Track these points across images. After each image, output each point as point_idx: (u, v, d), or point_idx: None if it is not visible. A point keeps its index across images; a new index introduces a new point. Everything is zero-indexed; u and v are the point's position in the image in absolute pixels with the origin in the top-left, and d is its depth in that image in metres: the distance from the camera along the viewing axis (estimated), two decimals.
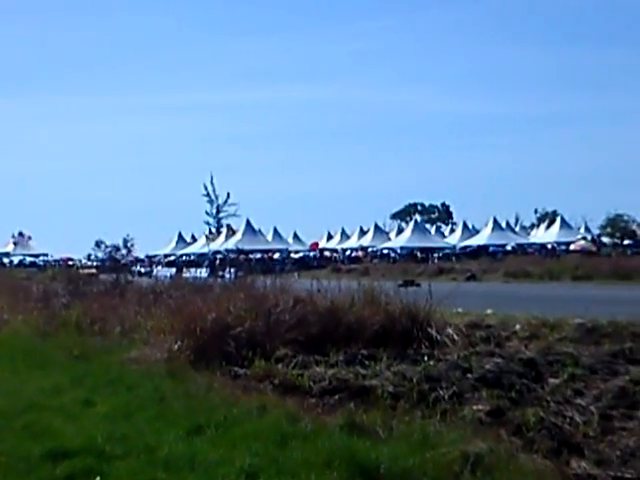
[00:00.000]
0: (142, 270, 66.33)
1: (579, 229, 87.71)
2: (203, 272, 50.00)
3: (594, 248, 71.71)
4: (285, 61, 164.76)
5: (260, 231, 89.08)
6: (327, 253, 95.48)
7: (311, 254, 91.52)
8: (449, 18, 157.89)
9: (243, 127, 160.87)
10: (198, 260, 78.40)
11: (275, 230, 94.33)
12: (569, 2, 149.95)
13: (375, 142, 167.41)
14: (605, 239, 77.08)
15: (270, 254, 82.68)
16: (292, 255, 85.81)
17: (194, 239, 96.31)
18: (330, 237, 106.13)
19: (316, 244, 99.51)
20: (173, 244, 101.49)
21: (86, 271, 50.09)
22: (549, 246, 79.91)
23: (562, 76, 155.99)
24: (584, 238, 78.90)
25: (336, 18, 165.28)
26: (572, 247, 73.59)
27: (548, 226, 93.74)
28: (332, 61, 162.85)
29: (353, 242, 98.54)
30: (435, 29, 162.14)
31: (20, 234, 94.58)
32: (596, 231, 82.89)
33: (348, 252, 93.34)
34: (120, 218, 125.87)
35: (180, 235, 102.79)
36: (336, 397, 10.73)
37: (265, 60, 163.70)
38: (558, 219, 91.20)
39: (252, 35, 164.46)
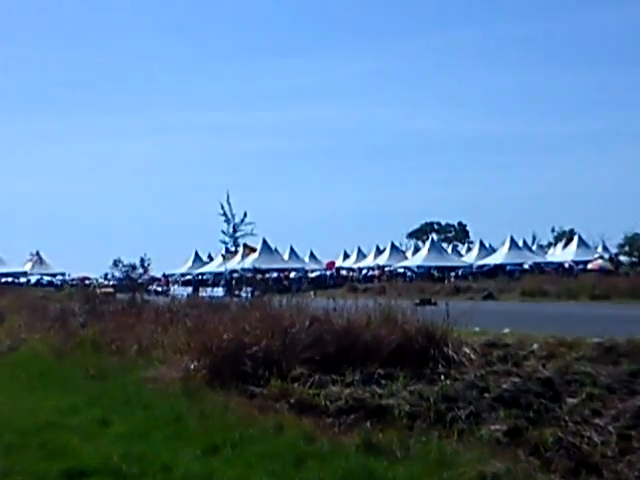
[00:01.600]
0: (159, 289, 66.45)
1: (596, 248, 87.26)
2: (220, 291, 50.04)
3: (612, 267, 71.35)
4: (302, 80, 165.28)
5: (277, 250, 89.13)
6: (344, 272, 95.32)
7: (327, 273, 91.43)
8: (466, 38, 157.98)
9: (260, 146, 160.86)
10: (214, 279, 78.48)
11: (291, 249, 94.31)
12: (589, 23, 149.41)
13: (392, 161, 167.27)
14: (623, 258, 76.69)
15: (286, 273, 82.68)
16: (308, 274, 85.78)
17: (210, 258, 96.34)
18: (347, 256, 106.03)
19: (332, 263, 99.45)
20: (190, 263, 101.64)
21: (103, 290, 50.23)
22: (566, 265, 79.59)
23: (580, 95, 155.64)
24: (602, 257, 78.53)
25: (355, 37, 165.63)
26: (590, 266, 73.23)
27: (565, 245, 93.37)
28: (350, 80, 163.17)
29: (369, 261, 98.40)
30: (453, 49, 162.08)
31: (37, 254, 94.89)
32: (614, 250, 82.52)
33: (365, 271, 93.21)
34: (137, 237, 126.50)
35: (197, 254, 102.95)
36: (352, 417, 10.70)
37: (281, 80, 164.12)
38: (575, 238, 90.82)
39: (269, 55, 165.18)
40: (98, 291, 48.56)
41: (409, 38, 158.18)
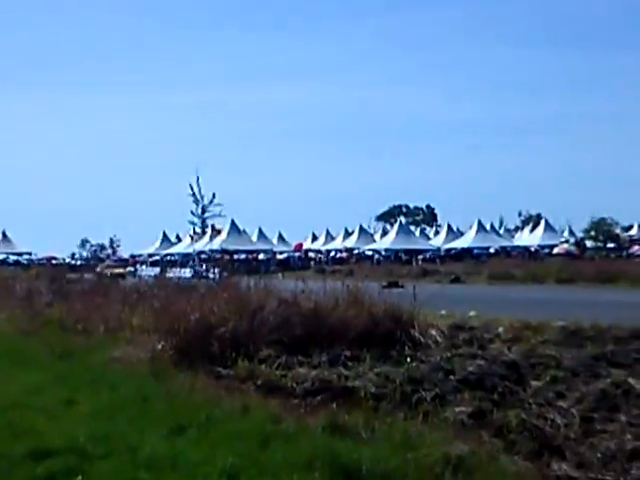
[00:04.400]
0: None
1: (563, 232, 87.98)
2: (187, 272, 49.84)
3: (578, 251, 71.98)
4: (271, 61, 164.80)
5: (245, 231, 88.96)
6: (312, 254, 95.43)
7: (296, 255, 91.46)
8: (437, 20, 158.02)
9: (229, 127, 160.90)
10: (182, 260, 78.28)
11: (260, 231, 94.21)
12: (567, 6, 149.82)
13: (361, 144, 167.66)
14: (589, 242, 77.30)
15: (255, 255, 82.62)
16: (277, 256, 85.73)
17: (179, 239, 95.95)
18: (315, 238, 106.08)
19: (301, 245, 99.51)
20: (157, 244, 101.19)
21: (112, 271, 49.36)
22: (533, 249, 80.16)
23: (547, 80, 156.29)
24: (568, 241, 79.17)
25: (321, 20, 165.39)
26: (556, 250, 73.84)
27: (532, 229, 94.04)
28: (320, 61, 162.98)
29: (338, 243, 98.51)
30: (426, 31, 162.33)
31: (3, 233, 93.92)
32: (580, 234, 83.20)
33: (333, 253, 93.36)
34: (105, 218, 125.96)
35: (165, 235, 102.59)
36: (319, 398, 10.73)
37: (250, 60, 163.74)
38: (542, 222, 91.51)
39: (238, 34, 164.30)
40: (108, 272, 48.09)
41: (374, 19, 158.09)
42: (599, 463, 7.34)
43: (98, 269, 57.42)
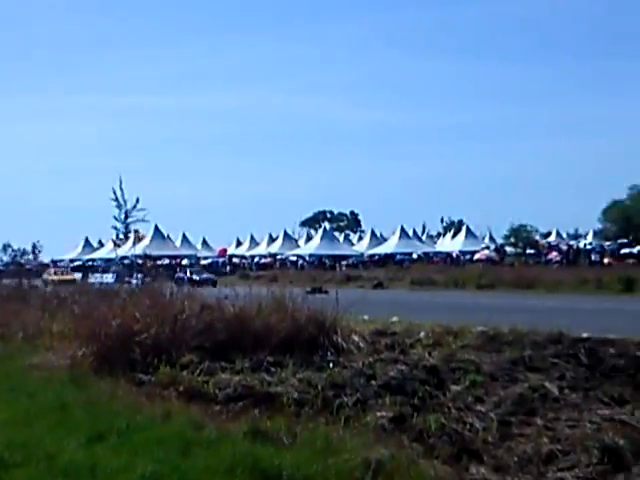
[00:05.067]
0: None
1: (483, 239, 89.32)
2: (109, 277, 49.33)
3: (498, 257, 73.07)
4: (195, 68, 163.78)
5: (169, 237, 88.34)
6: (236, 259, 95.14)
7: (220, 260, 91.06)
8: (359, 30, 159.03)
9: (154, 132, 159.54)
10: (105, 265, 77.28)
11: (184, 236, 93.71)
12: (477, 18, 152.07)
13: (285, 149, 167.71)
14: (508, 249, 78.53)
15: (178, 260, 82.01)
16: (201, 261, 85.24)
17: (101, 244, 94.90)
18: (239, 243, 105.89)
19: (225, 250, 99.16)
20: (80, 249, 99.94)
21: (60, 278, 48.00)
22: (454, 255, 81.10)
23: (469, 89, 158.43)
24: (488, 247, 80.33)
25: (248, 27, 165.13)
26: (477, 256, 74.82)
27: (454, 235, 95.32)
28: (243, 68, 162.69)
29: (262, 249, 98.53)
30: (347, 40, 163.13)
31: None
32: (500, 241, 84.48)
33: (257, 259, 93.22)
34: (25, 221, 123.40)
35: (87, 240, 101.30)
36: (241, 404, 10.68)
37: (174, 66, 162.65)
38: (464, 228, 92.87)
39: (165, 41, 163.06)
40: (56, 278, 46.82)
41: (296, 28, 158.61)
42: (516, 466, 7.45)
43: (45, 276, 56.52)
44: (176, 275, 60.92)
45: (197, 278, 57.94)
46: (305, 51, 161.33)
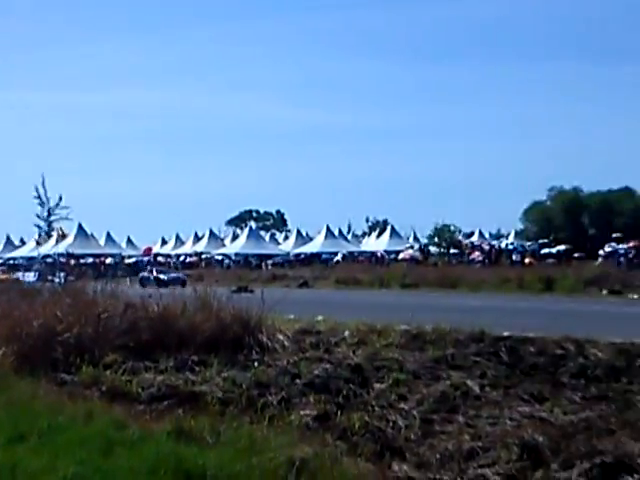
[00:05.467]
0: None
1: (408, 238, 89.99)
2: (31, 276, 48.35)
3: (421, 257, 73.70)
4: (118, 65, 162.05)
5: (92, 235, 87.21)
6: (161, 258, 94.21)
7: (145, 259, 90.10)
8: (290, 29, 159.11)
9: (77, 130, 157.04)
10: (27, 264, 75.97)
11: (108, 234, 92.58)
12: (412, 19, 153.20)
13: (210, 148, 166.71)
14: (432, 248, 79.24)
15: (102, 259, 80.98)
16: (125, 260, 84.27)
17: (23, 242, 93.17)
18: (164, 242, 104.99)
19: (150, 249, 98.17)
20: (0, 247, 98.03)
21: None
22: (379, 254, 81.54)
23: (394, 90, 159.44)
24: (412, 247, 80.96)
25: (175, 23, 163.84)
26: (401, 255, 75.31)
27: (379, 235, 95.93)
28: (167, 66, 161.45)
29: (188, 248, 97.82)
30: (275, 38, 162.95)
31: None
32: (424, 240, 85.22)
33: (182, 258, 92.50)
34: None
35: (8, 238, 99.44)
36: (165, 403, 10.60)
37: (97, 64, 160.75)
38: (388, 228, 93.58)
39: (87, 38, 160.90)
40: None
41: (226, 24, 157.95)
42: (437, 463, 7.52)
43: None
44: (140, 274, 58.64)
45: (165, 278, 54.68)
46: (229, 49, 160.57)
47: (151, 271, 61.02)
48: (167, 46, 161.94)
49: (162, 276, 56.03)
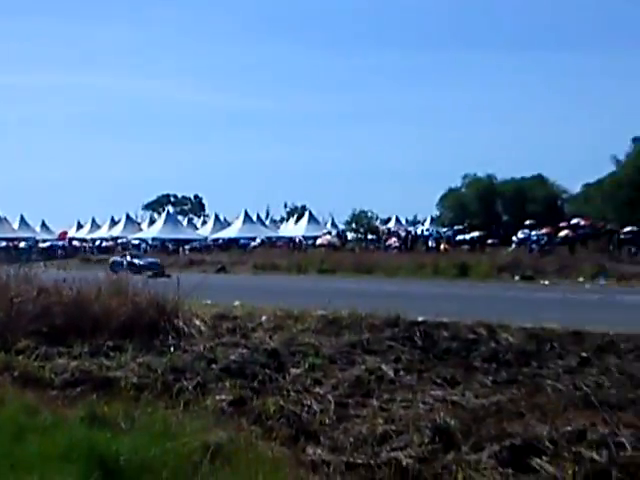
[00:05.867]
0: None
1: (326, 224, 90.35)
2: None
3: (339, 243, 74.01)
4: (39, 47, 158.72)
5: (6, 219, 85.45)
6: (76, 243, 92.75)
7: (60, 243, 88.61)
8: (208, 13, 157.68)
9: None
10: None
11: (22, 218, 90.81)
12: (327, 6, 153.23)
13: (128, 132, 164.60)
14: (350, 234, 79.64)
15: (16, 243, 79.40)
16: (39, 244, 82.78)
17: None
18: (80, 226, 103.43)
19: (65, 233, 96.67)
20: None
21: None
22: (297, 240, 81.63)
23: (315, 75, 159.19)
24: (330, 233, 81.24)
25: (93, 9, 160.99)
26: (319, 241, 75.45)
27: (297, 220, 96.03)
28: (87, 50, 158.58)
29: (104, 232, 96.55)
30: (195, 23, 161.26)
31: None
32: (341, 226, 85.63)
33: (98, 242, 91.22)
34: None
35: None
36: (79, 389, 10.45)
37: (18, 45, 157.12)
38: (306, 214, 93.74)
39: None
40: None
41: (151, 9, 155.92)
42: (351, 447, 7.58)
43: None
44: (112, 259, 54.59)
45: (140, 263, 50.94)
46: (148, 35, 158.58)
47: (124, 255, 56.70)
48: (86, 31, 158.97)
49: (137, 261, 52.51)
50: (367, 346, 12.47)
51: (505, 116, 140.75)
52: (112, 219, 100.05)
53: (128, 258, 53.55)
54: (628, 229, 53.60)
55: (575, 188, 75.85)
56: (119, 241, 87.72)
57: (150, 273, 23.28)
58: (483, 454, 7.05)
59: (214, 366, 11.19)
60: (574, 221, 58.87)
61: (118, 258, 55.12)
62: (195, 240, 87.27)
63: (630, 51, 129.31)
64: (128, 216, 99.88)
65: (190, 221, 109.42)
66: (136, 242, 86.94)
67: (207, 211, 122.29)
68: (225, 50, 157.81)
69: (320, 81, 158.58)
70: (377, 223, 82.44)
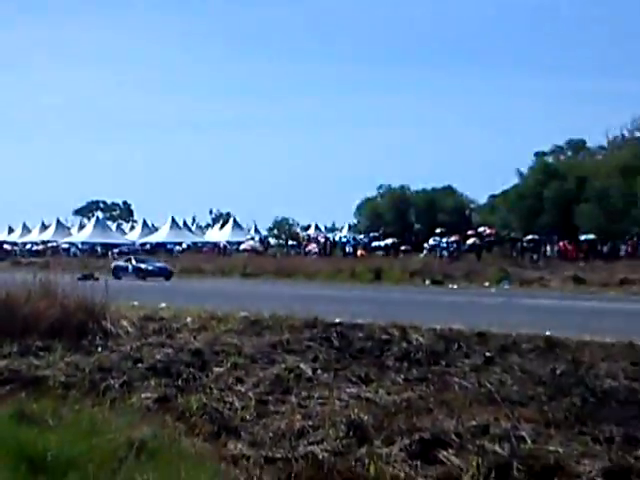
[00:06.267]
0: None
1: (249, 230, 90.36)
2: None
3: (262, 248, 74.13)
4: None
5: None
6: (7, 246, 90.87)
7: None
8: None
9: None
10: None
11: None
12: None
13: (58, 136, 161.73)
14: (272, 240, 79.88)
15: None
16: None
17: None
18: (11, 230, 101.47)
19: None
20: None
21: None
22: (222, 245, 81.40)
23: (236, 81, 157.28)
24: (253, 238, 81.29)
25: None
26: (242, 246, 75.48)
27: (222, 226, 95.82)
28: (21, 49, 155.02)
29: (34, 236, 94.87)
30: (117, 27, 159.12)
31: None
32: (264, 232, 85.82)
33: (29, 246, 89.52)
34: None
35: None
36: (7, 388, 10.21)
37: None
38: (231, 220, 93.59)
39: None
40: None
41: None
42: (271, 442, 7.56)
43: None
44: (113, 264, 48.79)
45: (148, 268, 45.91)
46: (74, 35, 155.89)
47: (129, 260, 50.17)
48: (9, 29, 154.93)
49: (144, 266, 47.00)
50: (287, 346, 12.46)
51: (419, 130, 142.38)
52: (43, 224, 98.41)
53: (134, 262, 48.16)
54: (530, 237, 54.90)
55: (482, 199, 77.50)
56: (49, 245, 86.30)
57: (80, 276, 22.74)
58: (394, 447, 7.10)
59: (140, 365, 11.07)
60: (481, 229, 60.06)
61: (121, 263, 49.53)
62: (123, 245, 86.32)
63: (533, 72, 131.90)
64: (58, 221, 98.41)
65: (119, 226, 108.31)
66: (66, 246, 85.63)
67: (135, 217, 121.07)
68: (151, 55, 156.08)
69: (245, 87, 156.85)
70: (298, 230, 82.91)
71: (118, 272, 45.35)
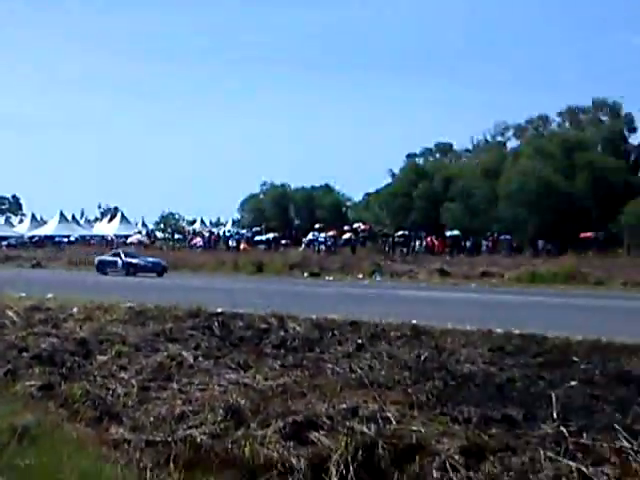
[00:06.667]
0: None
1: (137, 224, 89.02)
2: None
3: (149, 241, 73.23)
4: None
5: None
6: None
7: None
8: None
9: None
10: None
11: None
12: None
13: None
14: (159, 234, 79.02)
15: None
16: None
17: None
18: None
19: None
20: None
21: None
22: (110, 238, 79.86)
23: (112, 81, 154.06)
24: (140, 232, 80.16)
25: None
26: (130, 240, 74.22)
27: (110, 220, 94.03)
28: None
29: None
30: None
31: None
32: (151, 227, 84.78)
33: None
34: None
35: None
36: None
37: None
38: (119, 214, 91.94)
39: None
40: None
41: None
42: (151, 426, 7.47)
43: None
44: (98, 259, 43.87)
45: (140, 263, 41.23)
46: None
47: (117, 254, 43.91)
48: None
49: (135, 260, 41.96)
50: (170, 335, 12.34)
51: (301, 130, 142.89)
52: None
53: (123, 257, 42.66)
54: (400, 233, 55.99)
55: (358, 197, 78.44)
56: None
57: None
58: (269, 430, 7.12)
59: (25, 354, 10.77)
60: (356, 225, 60.93)
61: (108, 257, 43.83)
62: (12, 237, 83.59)
63: (405, 80, 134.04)
64: None
65: (7, 219, 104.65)
66: None
67: (25, 210, 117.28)
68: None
69: (114, 85, 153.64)
70: (184, 224, 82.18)
71: (104, 267, 41.38)
